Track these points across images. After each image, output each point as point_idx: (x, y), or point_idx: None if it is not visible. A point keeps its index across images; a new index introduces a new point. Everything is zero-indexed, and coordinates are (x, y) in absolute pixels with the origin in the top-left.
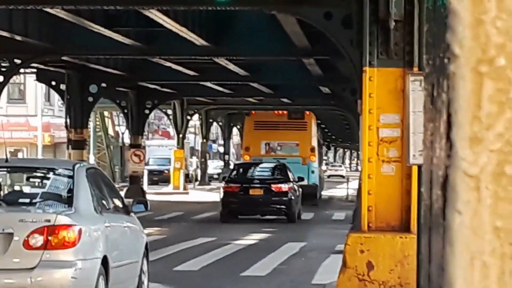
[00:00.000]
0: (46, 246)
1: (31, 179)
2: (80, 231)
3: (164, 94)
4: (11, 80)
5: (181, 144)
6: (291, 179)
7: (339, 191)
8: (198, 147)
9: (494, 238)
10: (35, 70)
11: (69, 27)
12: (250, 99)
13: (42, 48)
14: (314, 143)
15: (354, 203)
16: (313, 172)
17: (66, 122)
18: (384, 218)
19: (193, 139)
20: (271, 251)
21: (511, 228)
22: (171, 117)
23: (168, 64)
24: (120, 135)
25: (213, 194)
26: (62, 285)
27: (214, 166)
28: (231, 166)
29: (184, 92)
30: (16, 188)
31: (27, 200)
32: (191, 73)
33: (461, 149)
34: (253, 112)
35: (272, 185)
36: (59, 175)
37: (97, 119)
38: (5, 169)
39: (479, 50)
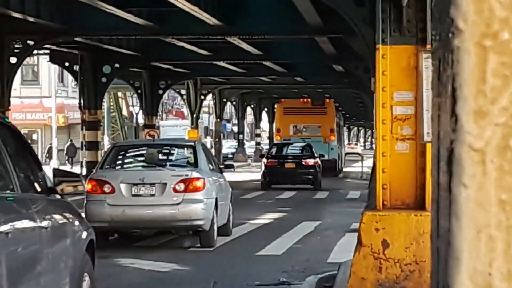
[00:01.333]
0: (186, 190)
1: (171, 152)
2: (204, 181)
3: (178, 74)
4: (25, 62)
5: (195, 124)
6: (316, 156)
7: (354, 169)
8: (212, 127)
9: (500, 211)
10: (48, 51)
11: (81, 8)
12: (264, 78)
13: (55, 29)
14: (333, 125)
15: (369, 181)
16: (332, 149)
17: (80, 103)
18: (399, 196)
19: (207, 119)
20: (286, 230)
21: None
22: (184, 97)
23: (181, 44)
24: (134, 115)
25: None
26: (196, 213)
27: (228, 146)
28: (267, 146)
29: (198, 72)
30: (163, 157)
31: (172, 164)
32: (204, 52)
33: (466, 123)
34: (282, 100)
35: (302, 160)
36: (186, 148)
37: (111, 100)
38: (154, 145)
39: (483, 24)
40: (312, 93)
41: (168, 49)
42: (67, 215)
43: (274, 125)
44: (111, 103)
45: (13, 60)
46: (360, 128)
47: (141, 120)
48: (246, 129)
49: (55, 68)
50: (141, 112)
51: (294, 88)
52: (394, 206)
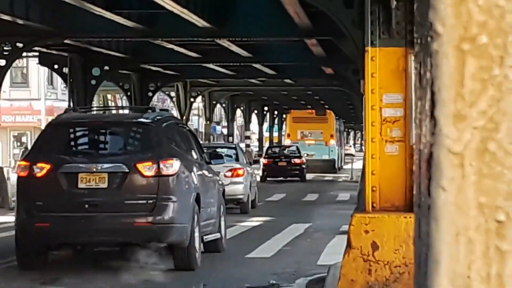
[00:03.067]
0: (232, 175)
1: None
2: (244, 171)
3: (167, 76)
4: (14, 64)
5: None
6: (301, 156)
7: (345, 172)
8: (202, 129)
9: (479, 214)
10: (37, 53)
11: (70, 10)
12: (253, 80)
13: (44, 31)
14: (333, 131)
15: (359, 184)
16: (332, 151)
17: (69, 106)
18: (388, 198)
19: (197, 121)
20: (276, 232)
21: (495, 204)
22: (174, 99)
23: (171, 46)
24: None
25: None
26: (240, 191)
27: None
28: (256, 149)
29: (187, 74)
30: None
31: (226, 159)
32: (194, 55)
33: (445, 126)
34: (291, 110)
35: (291, 159)
36: (228, 148)
37: (101, 102)
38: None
39: (461, 28)
40: (316, 105)
41: (157, 51)
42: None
43: (284, 130)
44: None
45: (2, 62)
46: (349, 130)
47: None
48: (236, 132)
49: (44, 70)
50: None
51: (284, 91)
52: (384, 208)
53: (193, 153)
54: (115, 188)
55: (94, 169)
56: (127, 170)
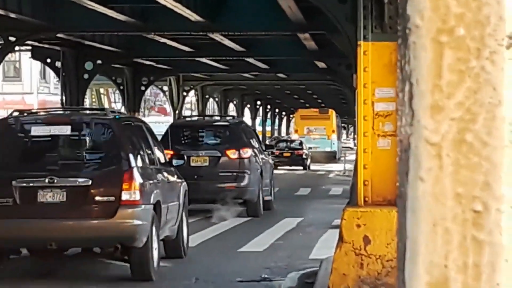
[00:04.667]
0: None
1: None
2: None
3: (160, 71)
4: (6, 58)
5: None
6: (304, 148)
7: (339, 166)
8: None
9: (456, 205)
10: (30, 47)
11: (63, 4)
12: (246, 75)
13: (37, 25)
14: (334, 127)
15: (351, 178)
16: (333, 144)
17: (62, 100)
18: (381, 192)
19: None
20: (268, 226)
21: (472, 194)
22: (167, 93)
23: (163, 40)
24: None
25: None
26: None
27: None
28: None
29: (180, 68)
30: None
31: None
32: (187, 49)
33: (423, 117)
34: (299, 109)
35: (295, 151)
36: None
37: (93, 96)
38: None
39: (439, 20)
40: (309, 99)
41: (150, 45)
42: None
43: (292, 126)
44: (93, 100)
45: None
46: (342, 125)
47: None
48: None
49: (37, 64)
50: (123, 108)
51: (277, 85)
52: (376, 203)
53: (257, 144)
54: (213, 166)
55: (200, 154)
56: (219, 155)
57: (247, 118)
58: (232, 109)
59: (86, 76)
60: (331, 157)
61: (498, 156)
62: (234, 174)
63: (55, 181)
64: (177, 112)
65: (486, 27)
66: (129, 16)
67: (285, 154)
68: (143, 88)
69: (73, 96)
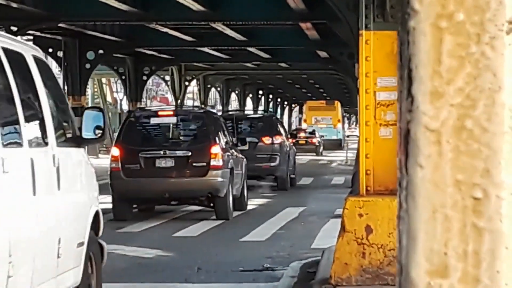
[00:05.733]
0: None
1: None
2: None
3: (162, 60)
4: None
5: None
6: (317, 136)
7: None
8: None
9: (456, 192)
10: (31, 37)
11: None
12: (248, 64)
13: (39, 15)
14: (339, 117)
15: (353, 167)
16: (339, 132)
17: (64, 90)
18: (382, 181)
19: (192, 105)
20: (270, 216)
21: (472, 181)
22: (169, 83)
23: (165, 29)
24: (118, 101)
25: None
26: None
27: None
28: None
29: (182, 58)
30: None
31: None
32: (189, 38)
33: (422, 103)
34: (307, 101)
35: (308, 139)
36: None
37: (95, 86)
38: None
39: (439, 5)
40: (321, 95)
41: (152, 35)
42: None
43: (302, 116)
44: (95, 89)
45: None
46: (344, 114)
47: (125, 106)
48: None
49: None
50: (125, 98)
51: (279, 74)
52: (378, 192)
53: (284, 133)
54: (252, 149)
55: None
56: (257, 141)
57: (249, 107)
58: (234, 99)
59: (88, 65)
60: (337, 144)
61: (498, 143)
62: (268, 156)
63: (167, 153)
64: (179, 101)
65: (486, 12)
66: (130, 6)
67: (300, 142)
68: (145, 77)
69: (75, 86)
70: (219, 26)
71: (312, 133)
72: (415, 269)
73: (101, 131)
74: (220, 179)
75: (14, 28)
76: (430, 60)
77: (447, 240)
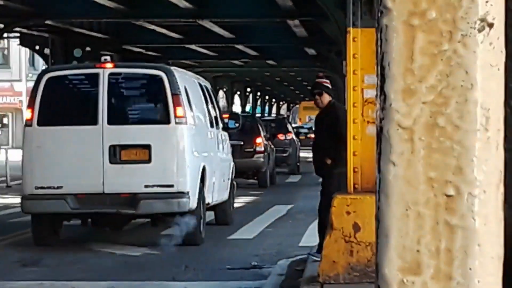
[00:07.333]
0: None
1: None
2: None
3: (149, 58)
4: None
5: None
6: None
7: None
8: None
9: (428, 189)
10: (18, 34)
11: None
12: (236, 62)
13: (25, 12)
14: None
15: None
16: None
17: None
18: (370, 179)
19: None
20: (258, 214)
21: (444, 178)
22: None
23: (152, 27)
24: None
25: None
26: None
27: None
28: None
29: (169, 55)
30: None
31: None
32: (176, 36)
33: (395, 101)
34: (302, 102)
35: (307, 135)
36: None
37: None
38: None
39: (411, 3)
40: (299, 86)
41: (139, 32)
42: None
43: (297, 115)
44: None
45: None
46: None
47: None
48: None
49: (25, 51)
50: None
51: (267, 72)
52: (365, 190)
53: (292, 131)
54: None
55: None
56: (273, 138)
57: (237, 105)
58: (221, 96)
59: (75, 63)
60: None
61: (471, 140)
62: (282, 148)
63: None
64: None
65: (458, 10)
66: (117, 3)
67: (300, 137)
68: None
69: None
70: (206, 24)
71: (310, 129)
72: (388, 266)
73: None
74: (261, 159)
75: (0, 25)
76: (403, 57)
77: (419, 237)
